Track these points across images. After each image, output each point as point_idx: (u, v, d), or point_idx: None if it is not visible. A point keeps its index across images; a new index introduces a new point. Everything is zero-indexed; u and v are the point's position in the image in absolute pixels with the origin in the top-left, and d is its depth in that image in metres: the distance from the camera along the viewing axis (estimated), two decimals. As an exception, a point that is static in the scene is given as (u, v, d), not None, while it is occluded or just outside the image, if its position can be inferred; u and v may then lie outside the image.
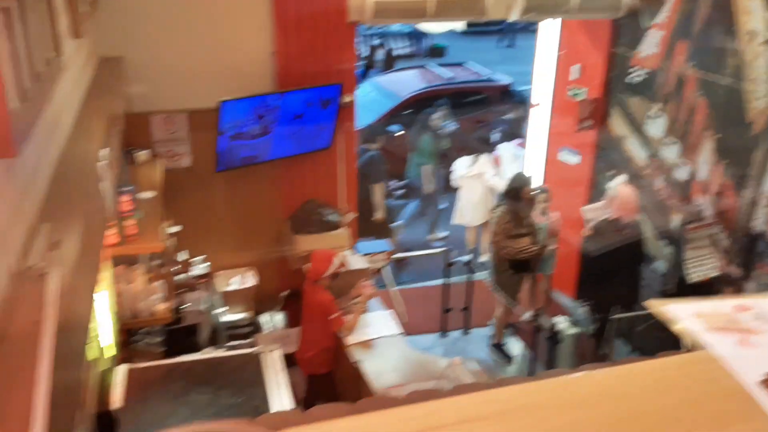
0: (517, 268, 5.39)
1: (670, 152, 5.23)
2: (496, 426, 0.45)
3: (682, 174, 5.14)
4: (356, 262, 5.41)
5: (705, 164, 4.93)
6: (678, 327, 0.63)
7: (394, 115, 8.90)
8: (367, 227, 6.59)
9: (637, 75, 5.44)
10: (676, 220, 5.11)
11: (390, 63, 14.85)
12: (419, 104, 8.85)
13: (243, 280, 5.46)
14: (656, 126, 5.33)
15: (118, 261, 4.19)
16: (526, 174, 5.64)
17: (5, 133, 1.66)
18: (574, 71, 5.95)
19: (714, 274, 4.76)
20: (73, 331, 1.86)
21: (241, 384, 3.15)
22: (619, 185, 5.30)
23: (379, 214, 7.05)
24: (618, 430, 0.46)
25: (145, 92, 4.94)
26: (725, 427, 0.45)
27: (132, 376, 2.97)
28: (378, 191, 7.02)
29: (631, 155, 5.63)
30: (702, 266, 4.73)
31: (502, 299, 5.56)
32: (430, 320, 6.17)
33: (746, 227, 4.65)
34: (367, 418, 0.43)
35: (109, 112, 3.69)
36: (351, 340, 4.61)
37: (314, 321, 4.54)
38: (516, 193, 5.29)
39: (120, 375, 2.99)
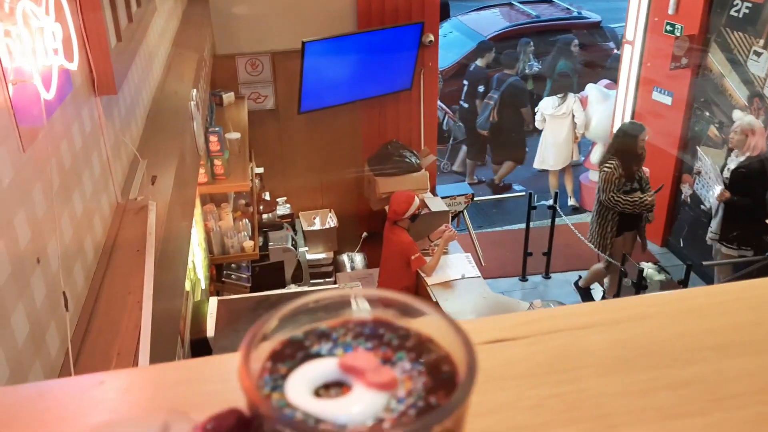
0: (626, 222, 5.05)
1: (775, 91, 4.89)
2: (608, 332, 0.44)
3: (786, 114, 4.81)
4: (436, 204, 5.42)
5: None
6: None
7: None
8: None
9: (741, 8, 5.06)
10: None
11: None
12: (505, 43, 8.58)
13: (324, 220, 5.58)
14: (760, 63, 4.97)
15: (207, 199, 4.37)
16: (636, 123, 5.08)
17: (107, 70, 1.74)
18: (671, 5, 5.59)
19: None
20: (172, 261, 1.97)
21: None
22: (750, 118, 4.80)
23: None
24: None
25: (230, 34, 5.02)
26: None
27: (222, 308, 3.13)
28: (526, 115, 7.42)
29: (730, 94, 5.29)
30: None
31: (606, 256, 5.24)
32: (511, 264, 6.13)
33: None
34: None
35: (198, 54, 3.79)
36: (431, 280, 4.66)
37: (394, 261, 4.60)
38: (627, 145, 4.79)
39: (212, 306, 3.15)
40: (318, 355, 0.31)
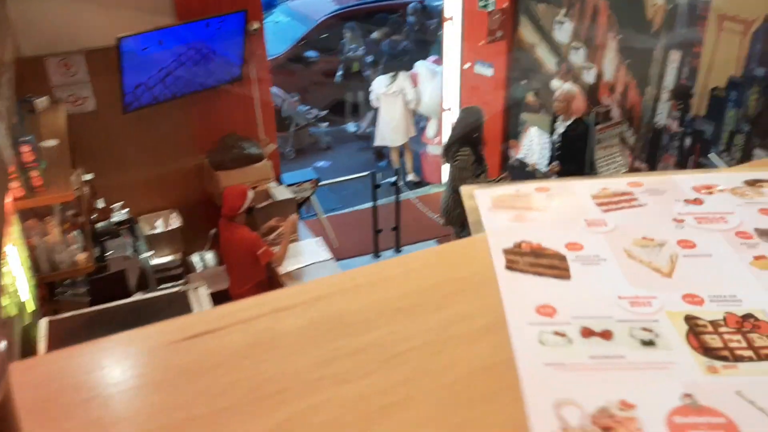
0: None
1: (578, 56, 5.34)
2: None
3: (589, 77, 5.27)
4: (282, 193, 5.40)
5: (610, 65, 5.06)
6: (471, 205, 0.66)
7: (310, 40, 8.69)
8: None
9: (542, -19, 5.46)
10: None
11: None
12: (336, 27, 8.65)
13: (167, 222, 5.38)
14: (563, 31, 5.41)
15: (27, 215, 4.05)
16: (474, 107, 5.20)
17: None
18: (482, -19, 5.91)
19: (623, 170, 4.98)
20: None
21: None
22: (567, 85, 5.13)
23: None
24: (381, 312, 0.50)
25: (36, 33, 4.65)
26: (449, 306, 0.49)
27: (54, 328, 2.94)
28: None
29: (542, 62, 5.72)
30: (612, 164, 4.93)
31: (462, 234, 5.43)
32: (362, 243, 6.27)
33: (650, 123, 4.85)
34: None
35: (-7, 59, 3.48)
36: (282, 270, 4.65)
37: (241, 259, 4.51)
38: (472, 131, 4.92)
39: (42, 328, 2.96)
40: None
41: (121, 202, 5.17)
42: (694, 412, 0.44)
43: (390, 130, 7.18)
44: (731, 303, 0.53)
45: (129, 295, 4.64)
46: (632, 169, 5.00)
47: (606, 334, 0.51)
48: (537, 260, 0.59)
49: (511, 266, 0.58)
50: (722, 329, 0.51)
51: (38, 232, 3.88)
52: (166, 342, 0.49)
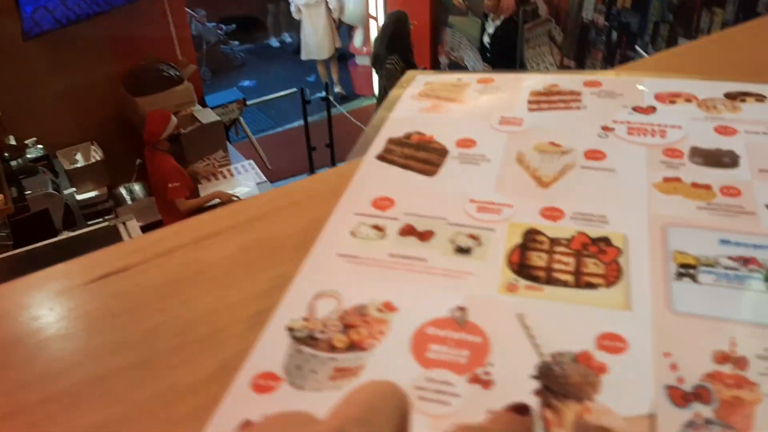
0: None
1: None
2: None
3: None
4: (207, 115, 5.17)
5: (536, -39, 4.95)
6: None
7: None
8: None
9: None
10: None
11: None
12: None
13: (87, 155, 5.10)
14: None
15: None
16: (400, 11, 4.95)
17: None
18: None
19: (552, 69, 4.97)
20: None
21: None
22: None
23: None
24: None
25: None
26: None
27: (-22, 276, 2.78)
28: None
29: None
30: (541, 63, 4.91)
31: None
32: (296, 163, 6.14)
33: (577, 18, 4.81)
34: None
35: None
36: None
37: (161, 188, 4.27)
38: (401, 36, 4.72)
39: (-36, 277, 2.78)
40: None
41: (34, 138, 4.86)
42: (454, 326, 0.39)
43: (315, 43, 6.91)
44: (594, 223, 0.46)
45: (56, 235, 4.43)
46: (561, 67, 4.99)
47: (425, 235, 0.46)
48: (415, 153, 0.55)
49: (383, 156, 0.55)
50: (559, 249, 0.44)
51: (-55, 177, 3.61)
52: (71, 286, 0.42)
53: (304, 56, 7.11)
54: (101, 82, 5.19)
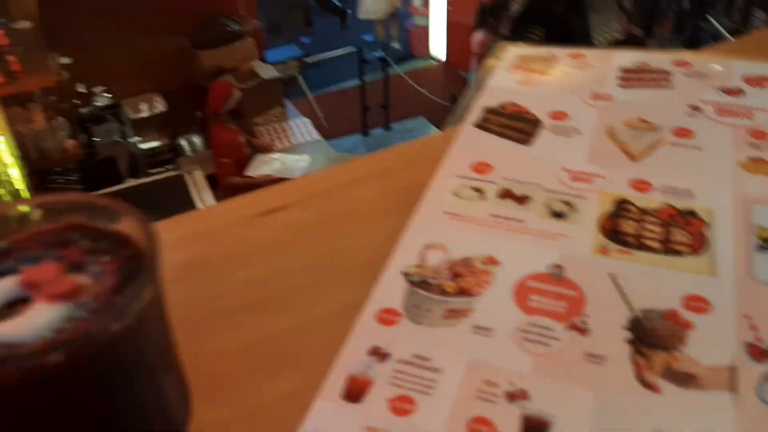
0: None
1: None
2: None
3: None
4: (267, 71, 5.24)
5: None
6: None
7: None
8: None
9: None
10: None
11: None
12: None
13: (151, 105, 5.25)
14: None
15: (9, 102, 3.93)
16: None
17: None
18: None
19: (619, 36, 4.84)
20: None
21: (169, 207, 3.15)
22: None
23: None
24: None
25: None
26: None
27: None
28: None
29: None
30: (608, 30, 4.79)
31: None
32: (351, 122, 6.18)
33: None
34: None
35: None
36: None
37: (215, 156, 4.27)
38: (498, 9, 4.24)
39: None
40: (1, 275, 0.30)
41: (103, 87, 5.02)
42: (552, 280, 0.44)
43: (372, 1, 6.84)
44: (681, 197, 0.50)
45: (121, 181, 4.61)
46: (628, 36, 4.86)
47: (523, 199, 0.51)
48: (510, 122, 0.59)
49: (480, 124, 0.59)
50: (649, 218, 0.48)
51: (23, 120, 3.79)
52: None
53: (362, 15, 7.07)
54: (166, 33, 5.29)
